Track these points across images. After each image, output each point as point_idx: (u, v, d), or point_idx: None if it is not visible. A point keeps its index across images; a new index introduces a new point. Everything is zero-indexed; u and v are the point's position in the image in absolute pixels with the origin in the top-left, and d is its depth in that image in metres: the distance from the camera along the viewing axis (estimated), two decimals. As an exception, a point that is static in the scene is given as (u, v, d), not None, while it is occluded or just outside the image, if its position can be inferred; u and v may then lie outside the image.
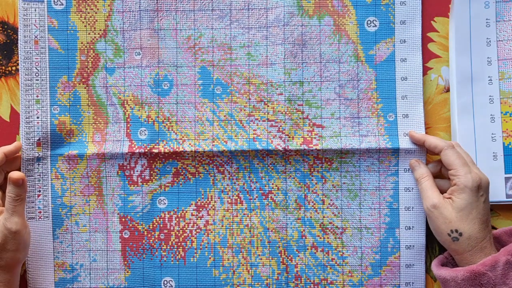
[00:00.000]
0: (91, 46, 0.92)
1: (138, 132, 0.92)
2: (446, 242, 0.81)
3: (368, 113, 0.91)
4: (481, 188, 0.80)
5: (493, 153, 0.88)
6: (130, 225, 0.93)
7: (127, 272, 0.93)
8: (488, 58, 0.88)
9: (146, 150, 0.91)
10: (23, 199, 0.84)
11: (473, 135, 0.88)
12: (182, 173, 0.92)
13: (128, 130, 0.92)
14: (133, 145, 0.92)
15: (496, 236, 0.85)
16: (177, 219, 0.93)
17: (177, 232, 0.93)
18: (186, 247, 0.93)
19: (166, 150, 0.91)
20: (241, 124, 0.92)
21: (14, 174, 0.82)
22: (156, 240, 0.93)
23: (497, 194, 0.88)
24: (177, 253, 0.93)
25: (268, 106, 0.92)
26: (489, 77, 0.88)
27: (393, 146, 0.90)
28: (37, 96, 0.91)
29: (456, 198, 0.80)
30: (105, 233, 0.93)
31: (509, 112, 0.88)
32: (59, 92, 0.92)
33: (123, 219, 0.93)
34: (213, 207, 0.93)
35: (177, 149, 0.91)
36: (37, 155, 0.91)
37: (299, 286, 0.92)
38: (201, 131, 0.92)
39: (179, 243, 0.93)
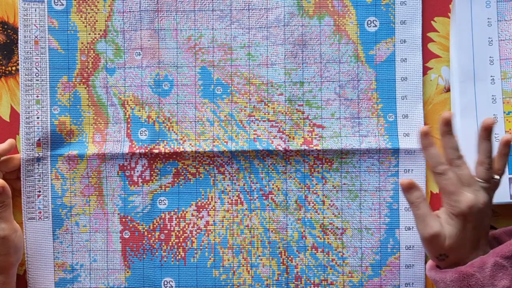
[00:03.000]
0: (92, 47, 0.92)
1: (139, 132, 0.92)
2: (432, 258, 0.81)
3: (368, 113, 0.90)
4: (469, 216, 0.77)
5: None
6: (131, 225, 0.93)
7: (127, 272, 0.93)
8: (490, 57, 0.88)
9: (147, 151, 0.91)
10: (7, 204, 0.84)
11: (477, 135, 0.87)
12: (182, 173, 0.92)
13: (129, 131, 0.92)
14: (133, 145, 0.92)
15: (496, 236, 0.84)
16: (178, 219, 0.93)
17: (177, 233, 0.93)
18: (186, 247, 0.93)
19: (167, 151, 0.91)
20: (241, 125, 0.92)
21: None
22: (157, 240, 0.92)
23: (501, 194, 0.87)
24: (178, 253, 0.93)
25: (268, 107, 0.91)
26: (491, 76, 0.88)
27: (393, 147, 0.89)
28: (37, 96, 0.91)
29: (445, 224, 0.79)
30: (105, 234, 0.93)
31: (512, 112, 0.88)
32: (59, 92, 0.92)
33: (124, 220, 0.93)
34: (214, 207, 0.93)
35: (177, 150, 0.91)
36: (37, 155, 0.91)
37: (299, 286, 0.92)
38: (202, 132, 0.92)
39: (179, 244, 0.93)
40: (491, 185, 0.80)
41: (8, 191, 0.84)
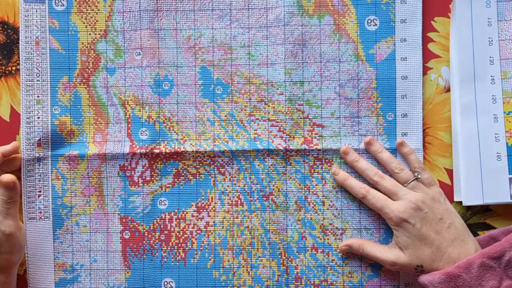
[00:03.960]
0: (92, 47, 0.92)
1: (139, 132, 0.92)
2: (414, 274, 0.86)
3: (368, 112, 0.90)
4: (406, 220, 0.82)
5: (497, 153, 0.87)
6: (131, 225, 0.92)
7: (128, 272, 0.93)
8: (490, 57, 0.88)
9: (147, 151, 0.91)
10: (15, 201, 0.84)
11: (477, 135, 0.87)
12: (183, 174, 0.92)
13: (129, 131, 0.92)
14: (134, 145, 0.92)
15: (494, 236, 0.85)
16: (178, 220, 0.92)
17: (177, 233, 0.92)
18: (187, 248, 0.92)
19: (167, 150, 0.91)
20: (242, 124, 0.92)
21: (5, 177, 0.83)
22: (157, 241, 0.92)
23: (501, 195, 0.87)
24: (178, 254, 0.92)
25: (268, 106, 0.91)
26: (491, 76, 0.88)
27: (391, 147, 0.89)
28: (38, 96, 0.91)
29: (397, 239, 0.85)
30: (106, 234, 0.93)
31: (512, 112, 0.88)
32: (60, 92, 0.92)
33: (124, 220, 0.93)
34: (214, 208, 0.92)
35: (178, 149, 0.91)
36: (38, 155, 0.91)
37: (299, 287, 0.91)
38: (202, 131, 0.92)
39: (179, 244, 0.92)
40: (419, 183, 0.86)
41: (18, 188, 0.84)
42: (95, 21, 0.92)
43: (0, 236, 0.82)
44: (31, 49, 0.91)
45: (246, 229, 0.92)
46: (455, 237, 0.82)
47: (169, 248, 0.92)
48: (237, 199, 0.92)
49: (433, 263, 0.81)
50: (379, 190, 0.87)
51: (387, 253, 0.85)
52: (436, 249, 0.81)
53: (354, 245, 0.88)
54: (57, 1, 0.91)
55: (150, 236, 0.92)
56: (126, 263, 0.93)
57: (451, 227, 0.82)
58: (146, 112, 0.92)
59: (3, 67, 0.92)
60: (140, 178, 0.92)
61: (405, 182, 0.86)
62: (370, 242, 0.88)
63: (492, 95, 0.87)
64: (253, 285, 0.92)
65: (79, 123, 0.92)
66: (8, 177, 0.83)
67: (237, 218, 0.92)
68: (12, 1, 0.92)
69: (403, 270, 0.85)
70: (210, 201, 0.93)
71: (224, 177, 0.92)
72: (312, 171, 0.91)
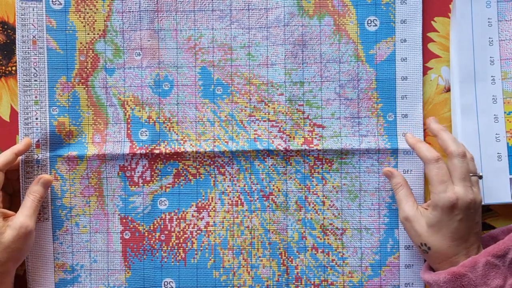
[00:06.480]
0: (90, 47, 0.92)
1: (139, 132, 0.92)
2: (419, 251, 0.85)
3: (368, 113, 0.90)
4: (455, 208, 0.78)
5: (498, 153, 0.87)
6: (131, 226, 0.92)
7: (128, 273, 0.93)
8: (490, 57, 0.88)
9: (147, 151, 0.91)
10: (42, 201, 0.88)
11: (477, 135, 0.87)
12: (183, 174, 0.92)
13: (129, 131, 0.92)
14: (134, 146, 0.91)
15: (494, 235, 0.85)
16: (178, 220, 0.92)
17: (177, 233, 0.92)
18: (187, 248, 0.92)
19: (167, 151, 0.91)
20: (242, 125, 0.92)
21: (47, 176, 0.88)
22: (157, 241, 0.92)
23: (502, 195, 0.87)
24: (178, 254, 0.92)
25: (268, 107, 0.91)
26: (492, 76, 0.88)
27: (392, 147, 0.89)
28: (36, 97, 0.91)
29: (429, 214, 0.81)
30: (106, 234, 0.93)
31: (513, 112, 0.88)
32: (58, 92, 0.91)
33: (124, 220, 0.93)
34: (214, 208, 0.92)
35: (178, 150, 0.91)
36: (36, 156, 0.90)
37: (299, 287, 0.91)
38: (202, 132, 0.92)
39: (179, 244, 0.92)
40: (478, 180, 0.83)
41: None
42: (93, 20, 0.92)
43: (23, 231, 0.82)
44: (28, 48, 0.90)
45: (246, 229, 0.92)
46: (473, 243, 0.80)
47: (169, 248, 0.92)
48: (237, 199, 0.92)
49: (438, 257, 0.81)
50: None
51: (410, 208, 0.83)
52: (454, 246, 0.79)
53: (395, 180, 0.87)
54: (54, 0, 0.91)
55: (150, 236, 0.92)
56: (126, 263, 0.93)
57: (478, 233, 0.81)
58: (146, 113, 0.92)
59: (3, 67, 0.92)
60: (140, 178, 0.92)
61: (473, 171, 0.82)
62: (407, 189, 0.85)
63: (493, 95, 0.88)
64: (253, 285, 0.92)
65: (77, 123, 0.92)
66: (49, 176, 0.89)
67: (237, 218, 0.92)
68: (12, 1, 0.91)
69: (408, 232, 0.83)
70: (210, 201, 0.93)
71: (224, 177, 0.92)
72: (313, 171, 0.91)
